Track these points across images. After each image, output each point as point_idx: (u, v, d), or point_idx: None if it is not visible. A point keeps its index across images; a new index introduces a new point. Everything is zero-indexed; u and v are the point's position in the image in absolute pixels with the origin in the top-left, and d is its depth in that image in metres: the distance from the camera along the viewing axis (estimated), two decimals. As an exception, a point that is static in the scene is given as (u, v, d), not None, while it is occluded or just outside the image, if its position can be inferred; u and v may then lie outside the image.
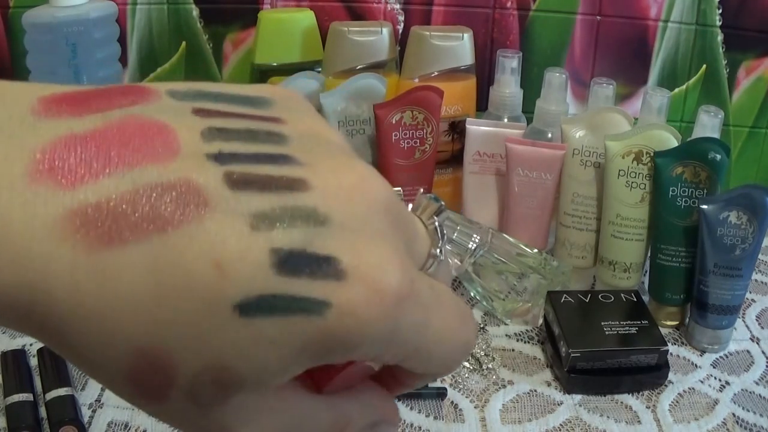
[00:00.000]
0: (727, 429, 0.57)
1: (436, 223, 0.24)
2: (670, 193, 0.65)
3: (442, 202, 0.24)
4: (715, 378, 0.62)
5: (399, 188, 0.71)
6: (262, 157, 0.19)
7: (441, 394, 0.58)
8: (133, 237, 0.17)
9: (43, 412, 0.54)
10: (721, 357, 0.65)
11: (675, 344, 0.66)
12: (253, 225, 0.18)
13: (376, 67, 0.75)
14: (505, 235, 0.69)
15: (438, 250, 0.23)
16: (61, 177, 0.17)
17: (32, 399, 0.54)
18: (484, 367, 0.62)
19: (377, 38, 0.75)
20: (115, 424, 0.54)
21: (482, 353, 0.63)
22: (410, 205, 0.24)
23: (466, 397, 0.59)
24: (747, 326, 0.70)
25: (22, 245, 0.17)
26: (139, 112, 0.19)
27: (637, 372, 0.60)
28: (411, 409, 0.57)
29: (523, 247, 0.68)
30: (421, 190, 0.25)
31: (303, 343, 0.18)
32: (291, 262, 0.18)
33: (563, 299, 0.65)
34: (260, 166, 0.19)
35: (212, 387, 0.18)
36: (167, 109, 0.20)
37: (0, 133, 0.17)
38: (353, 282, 0.18)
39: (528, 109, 0.77)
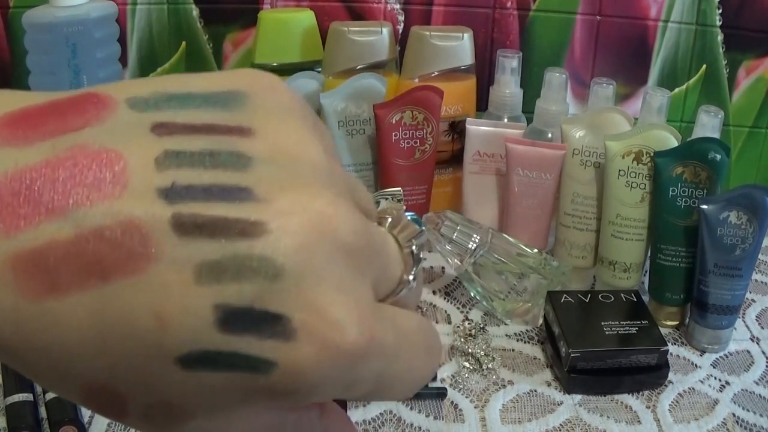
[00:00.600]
0: (727, 429, 0.57)
1: (413, 248, 0.22)
2: (670, 193, 0.65)
3: (423, 228, 0.23)
4: (715, 378, 0.62)
5: (399, 188, 0.71)
6: (217, 192, 0.18)
7: (441, 394, 0.58)
8: (75, 286, 0.17)
9: (43, 412, 0.54)
10: (721, 357, 0.65)
11: (675, 344, 0.66)
12: (197, 277, 0.17)
13: (376, 67, 0.75)
14: (505, 235, 0.69)
15: (411, 276, 0.22)
16: (4, 222, 0.17)
17: (32, 399, 0.54)
18: (484, 367, 0.62)
19: (377, 38, 0.75)
20: (115, 424, 0.54)
21: (482, 353, 0.63)
22: (390, 219, 0.23)
23: (466, 397, 0.59)
24: (747, 326, 0.70)
25: None
26: (89, 139, 0.18)
27: (637, 372, 0.60)
28: (411, 409, 0.57)
29: (523, 247, 0.68)
30: (404, 208, 0.24)
31: (248, 395, 0.18)
32: (236, 319, 0.17)
33: (563, 299, 0.65)
34: (214, 204, 0.18)
35: (164, 417, 0.18)
36: (122, 129, 0.18)
37: None
38: (303, 341, 0.18)
39: (528, 109, 0.77)
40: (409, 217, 0.23)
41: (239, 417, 0.19)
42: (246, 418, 0.19)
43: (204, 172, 0.18)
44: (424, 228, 0.23)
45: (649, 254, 0.70)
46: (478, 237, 0.66)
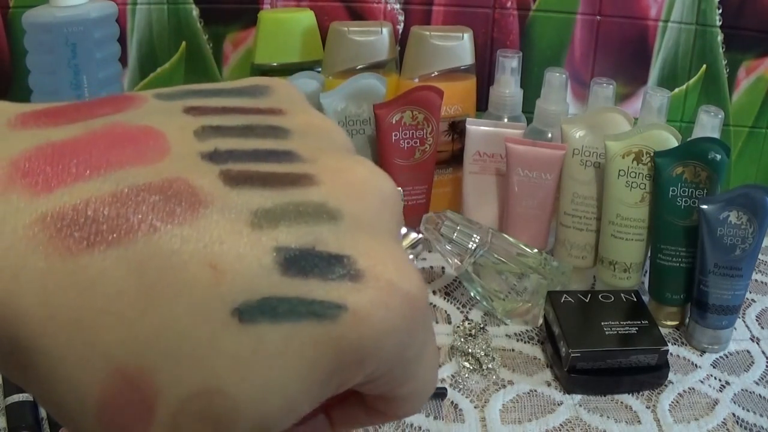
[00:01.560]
0: (727, 429, 0.57)
1: (411, 257, 0.23)
2: (670, 193, 0.65)
3: (422, 236, 0.24)
4: (715, 378, 0.62)
5: (399, 188, 0.71)
6: (262, 154, 0.18)
7: (441, 394, 0.58)
8: (116, 240, 0.15)
9: (43, 412, 0.54)
10: (721, 357, 0.65)
11: (675, 344, 0.66)
12: (254, 223, 0.16)
13: (376, 67, 0.75)
14: (505, 235, 0.69)
15: (419, 246, 0.23)
16: (35, 184, 0.15)
17: (32, 399, 0.54)
18: (484, 367, 0.62)
19: (377, 38, 0.75)
20: (115, 424, 0.54)
21: (482, 353, 0.63)
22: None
23: (466, 397, 0.59)
24: (747, 326, 0.70)
25: None
26: (123, 119, 0.17)
27: (637, 372, 0.60)
28: (411, 409, 0.57)
29: (523, 247, 0.68)
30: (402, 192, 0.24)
31: (311, 355, 0.16)
32: (299, 261, 0.16)
33: (563, 299, 0.65)
34: (261, 164, 0.17)
35: (197, 423, 0.16)
36: (155, 111, 0.18)
37: None
38: (371, 283, 0.17)
39: (528, 109, 0.77)
40: (404, 230, 0.24)
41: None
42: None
43: (245, 141, 0.18)
44: (422, 236, 0.23)
45: (649, 254, 0.70)
46: (478, 237, 0.66)
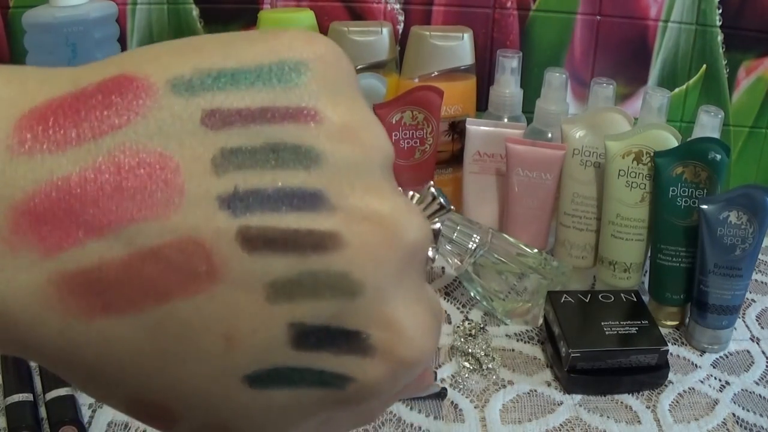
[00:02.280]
0: (727, 429, 0.57)
1: (438, 225, 0.22)
2: (670, 193, 0.65)
3: (449, 205, 0.23)
4: (715, 378, 0.62)
5: (399, 189, 0.71)
6: (286, 197, 0.16)
7: (441, 394, 0.58)
8: (131, 308, 0.15)
9: (43, 412, 0.54)
10: (721, 357, 0.65)
11: (675, 344, 0.66)
12: (269, 296, 0.16)
13: (376, 67, 0.75)
14: (505, 235, 0.69)
15: (434, 254, 0.22)
16: (41, 240, 0.15)
17: (32, 399, 0.54)
18: (484, 367, 0.62)
19: (377, 38, 0.75)
20: (115, 424, 0.54)
21: (482, 353, 0.63)
22: (411, 193, 0.23)
23: (466, 397, 0.59)
24: (747, 326, 0.70)
25: (5, 311, 0.15)
26: (132, 139, 0.16)
27: (637, 372, 0.60)
28: (411, 409, 0.57)
29: (523, 247, 0.68)
30: (431, 182, 0.23)
31: (317, 410, 0.17)
32: (311, 337, 0.16)
33: (563, 299, 0.65)
34: (283, 215, 0.16)
35: None
36: (169, 124, 0.16)
37: None
38: (379, 357, 0.17)
39: (528, 109, 0.77)
40: (434, 192, 0.22)
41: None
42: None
43: (268, 173, 0.16)
44: (449, 205, 0.23)
45: (649, 254, 0.70)
46: (478, 237, 0.66)
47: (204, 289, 0.15)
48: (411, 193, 0.22)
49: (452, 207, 0.23)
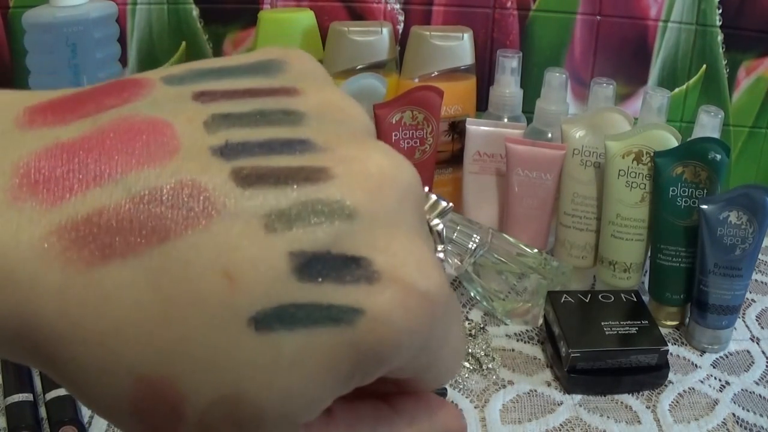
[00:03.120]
0: (727, 429, 0.57)
1: (441, 226, 0.22)
2: (670, 193, 0.65)
3: (450, 204, 0.23)
4: (715, 378, 0.62)
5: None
6: (275, 145, 0.17)
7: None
8: (131, 250, 0.15)
9: (43, 412, 0.54)
10: (721, 357, 0.65)
11: (675, 344, 0.66)
12: (267, 226, 0.16)
13: (376, 67, 0.75)
14: (505, 235, 0.69)
15: (440, 253, 0.21)
16: (46, 191, 0.15)
17: (32, 399, 0.54)
18: (484, 367, 0.62)
19: (377, 38, 0.75)
20: (115, 424, 0.54)
21: (482, 353, 0.63)
22: None
23: (466, 397, 0.59)
24: (747, 326, 0.70)
25: (6, 268, 0.15)
26: (130, 111, 0.17)
27: (637, 372, 0.60)
28: (411, 409, 0.57)
29: (523, 247, 0.68)
30: (427, 188, 0.23)
31: (330, 361, 0.16)
32: (314, 265, 0.16)
33: (563, 299, 0.65)
34: (274, 157, 0.17)
35: (225, 424, 0.16)
36: (163, 101, 0.18)
37: None
38: (388, 285, 0.16)
39: (528, 109, 0.77)
40: (434, 197, 0.22)
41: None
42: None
43: (257, 130, 0.17)
44: (450, 204, 0.22)
45: (649, 254, 0.70)
46: (478, 237, 0.66)
47: (201, 226, 0.15)
48: None
49: (451, 204, 0.23)
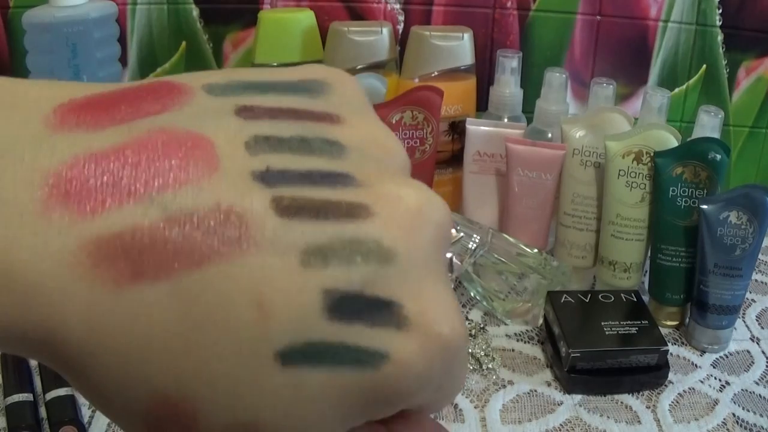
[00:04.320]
0: (727, 429, 0.57)
1: (451, 254, 0.22)
2: (670, 193, 0.65)
3: (461, 234, 0.23)
4: (715, 378, 0.62)
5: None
6: (316, 176, 0.16)
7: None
8: (163, 273, 0.15)
9: (43, 412, 0.54)
10: (721, 357, 0.65)
11: (675, 344, 0.66)
12: (303, 261, 0.15)
13: (376, 67, 0.75)
14: (505, 235, 0.69)
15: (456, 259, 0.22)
16: (77, 203, 0.15)
17: (32, 399, 0.54)
18: (484, 367, 0.62)
19: (377, 38, 0.75)
20: (116, 425, 0.54)
21: (482, 353, 0.63)
22: None
23: (466, 397, 0.59)
24: (747, 326, 0.70)
25: (34, 280, 0.15)
26: (170, 122, 0.16)
27: (637, 372, 0.60)
28: (411, 409, 0.57)
29: (523, 247, 0.68)
30: None
31: (349, 399, 0.16)
32: (346, 305, 0.16)
33: (563, 299, 0.65)
34: (315, 188, 0.16)
35: None
36: (204, 113, 0.17)
37: (9, 153, 0.15)
38: (415, 332, 0.16)
39: (528, 109, 0.77)
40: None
41: None
42: None
43: (299, 158, 0.17)
44: (462, 234, 0.22)
45: (649, 254, 0.70)
46: (478, 237, 0.66)
47: (237, 254, 0.15)
48: None
49: (462, 234, 0.23)
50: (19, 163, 0.15)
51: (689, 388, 0.61)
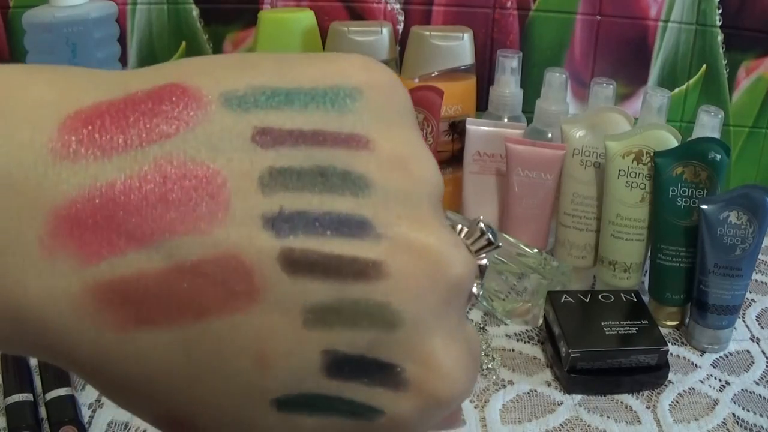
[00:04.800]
0: (727, 429, 0.57)
1: (485, 261, 0.21)
2: (670, 193, 0.65)
3: (498, 241, 0.21)
4: (715, 378, 0.62)
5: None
6: (332, 222, 0.16)
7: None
8: (166, 321, 0.15)
9: (43, 412, 0.54)
10: (721, 357, 0.65)
11: (675, 344, 0.66)
12: (306, 321, 0.15)
13: (376, 67, 0.75)
14: (505, 235, 0.69)
15: (479, 290, 0.21)
16: (81, 245, 0.15)
17: (32, 399, 0.54)
18: (484, 367, 0.62)
19: (377, 38, 0.75)
20: (115, 424, 0.54)
21: (482, 353, 0.63)
22: (460, 227, 0.21)
23: (466, 397, 0.59)
24: (747, 326, 0.70)
25: (40, 318, 0.15)
26: (179, 150, 0.15)
27: (637, 372, 0.60)
28: (411, 409, 0.57)
29: (523, 247, 0.68)
30: (481, 216, 0.22)
31: None
32: (345, 365, 0.16)
33: (563, 299, 0.65)
34: (328, 239, 0.16)
35: None
36: (218, 137, 0.16)
37: (11, 188, 0.15)
38: (413, 394, 0.17)
39: (528, 109, 0.77)
40: (482, 227, 0.21)
41: None
42: None
43: (315, 197, 0.16)
44: (500, 243, 0.22)
45: (649, 254, 0.70)
46: (478, 237, 0.66)
47: (242, 308, 0.15)
48: (459, 226, 0.21)
49: (500, 244, 0.22)
50: (21, 198, 0.15)
51: (689, 388, 0.61)
